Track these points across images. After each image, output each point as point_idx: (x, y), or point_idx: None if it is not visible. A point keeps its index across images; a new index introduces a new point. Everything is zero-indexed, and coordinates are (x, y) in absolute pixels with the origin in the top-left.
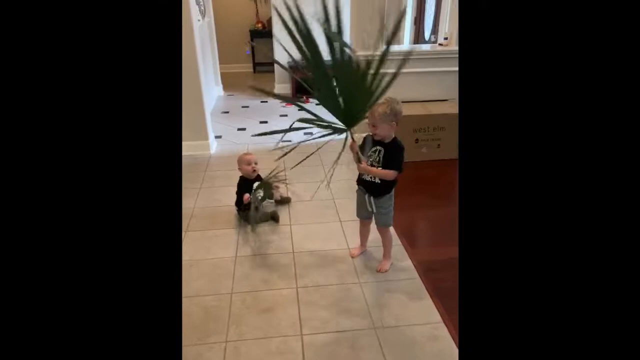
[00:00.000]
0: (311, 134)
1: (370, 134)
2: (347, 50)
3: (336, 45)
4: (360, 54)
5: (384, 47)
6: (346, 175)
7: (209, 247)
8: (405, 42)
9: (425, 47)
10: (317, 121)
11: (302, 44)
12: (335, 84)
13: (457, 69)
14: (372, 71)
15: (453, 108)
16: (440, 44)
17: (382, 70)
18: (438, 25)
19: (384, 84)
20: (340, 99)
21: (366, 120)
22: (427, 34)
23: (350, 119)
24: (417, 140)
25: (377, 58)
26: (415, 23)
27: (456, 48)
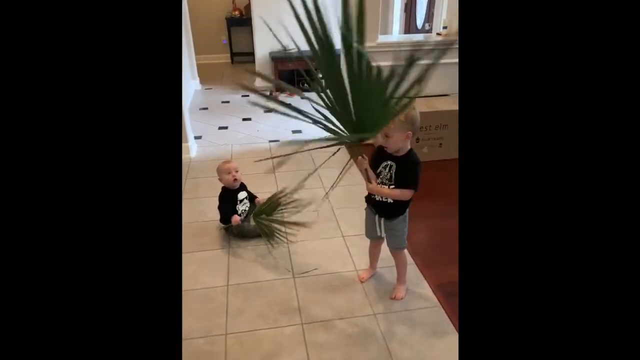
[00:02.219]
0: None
1: (378, 145)
2: (365, 55)
3: (354, 47)
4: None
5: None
6: (344, 180)
7: (196, 275)
8: (394, 32)
9: (418, 37)
10: (324, 122)
11: (313, 32)
12: (348, 89)
13: (457, 60)
14: (395, 82)
15: (456, 104)
16: (438, 34)
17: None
18: (432, 12)
19: (405, 98)
20: (352, 108)
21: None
22: (419, 22)
23: (360, 131)
24: (417, 140)
25: (402, 67)
26: (405, 10)
27: (457, 38)
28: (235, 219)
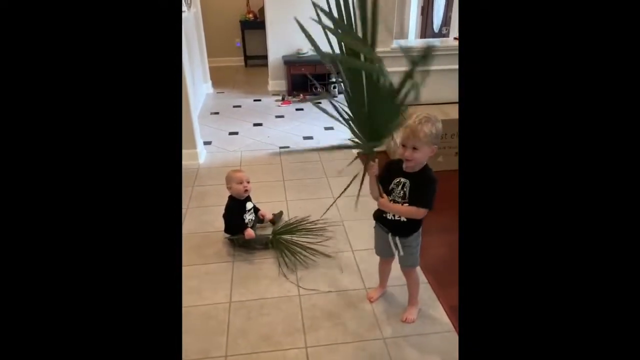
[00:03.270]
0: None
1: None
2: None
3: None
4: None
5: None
6: (354, 190)
7: (198, 289)
8: (410, 36)
9: (435, 41)
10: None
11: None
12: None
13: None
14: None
15: None
16: (455, 38)
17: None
18: (450, 15)
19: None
20: (367, 112)
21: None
22: (435, 26)
23: (374, 134)
24: None
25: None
26: (422, 13)
27: None
28: (249, 232)
